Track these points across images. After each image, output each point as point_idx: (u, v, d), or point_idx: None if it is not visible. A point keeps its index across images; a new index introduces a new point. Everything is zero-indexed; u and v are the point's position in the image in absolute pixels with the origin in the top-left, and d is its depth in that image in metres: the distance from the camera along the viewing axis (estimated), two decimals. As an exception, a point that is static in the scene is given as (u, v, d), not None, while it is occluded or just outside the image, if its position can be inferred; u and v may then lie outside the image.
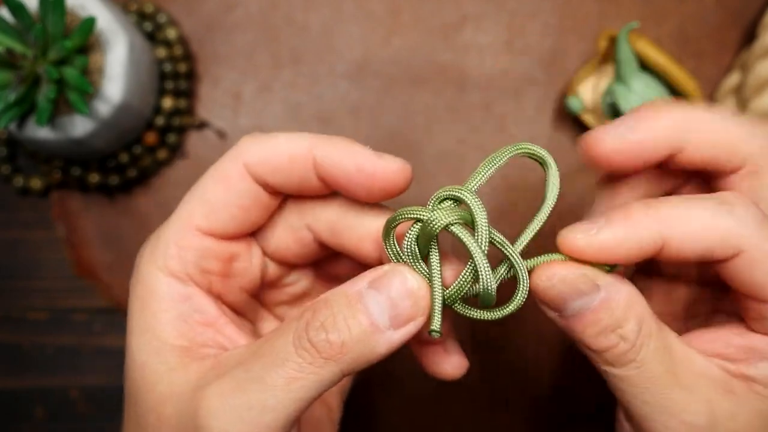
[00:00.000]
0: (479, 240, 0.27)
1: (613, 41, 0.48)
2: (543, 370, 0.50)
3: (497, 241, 0.28)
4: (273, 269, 0.34)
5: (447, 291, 0.28)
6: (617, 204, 0.32)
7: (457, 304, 0.28)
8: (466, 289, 0.28)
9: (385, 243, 0.29)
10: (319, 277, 0.36)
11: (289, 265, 0.34)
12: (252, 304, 0.34)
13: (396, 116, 0.51)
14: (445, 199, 0.28)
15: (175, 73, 0.50)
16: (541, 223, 0.29)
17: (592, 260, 0.27)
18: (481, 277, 0.27)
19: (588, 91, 0.50)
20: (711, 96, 0.51)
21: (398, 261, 0.28)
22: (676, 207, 0.27)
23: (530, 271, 0.28)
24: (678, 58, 0.51)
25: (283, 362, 0.26)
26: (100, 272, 0.51)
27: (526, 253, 0.29)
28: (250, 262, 0.32)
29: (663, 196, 0.31)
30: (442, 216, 0.27)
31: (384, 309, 0.27)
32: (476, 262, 0.27)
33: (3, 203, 0.52)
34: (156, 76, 0.50)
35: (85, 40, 0.42)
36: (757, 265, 0.27)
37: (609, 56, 0.49)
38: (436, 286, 0.28)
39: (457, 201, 0.28)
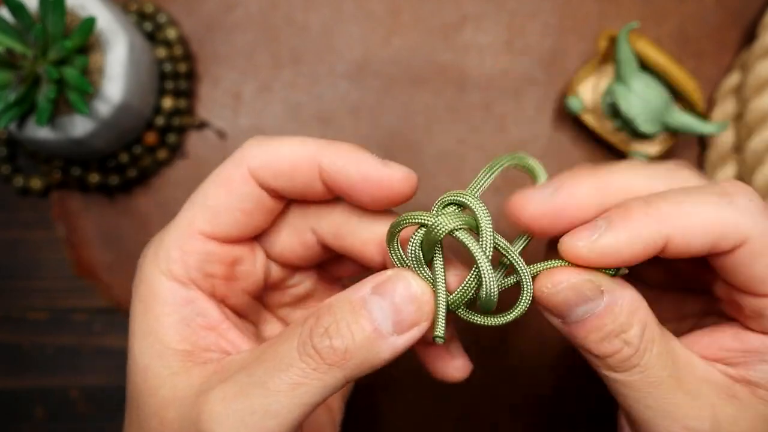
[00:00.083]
0: (483, 245, 0.27)
1: (613, 41, 0.48)
2: (545, 373, 0.50)
3: (501, 247, 0.28)
4: (276, 271, 0.34)
5: (451, 296, 0.28)
6: None
7: (460, 310, 0.28)
8: (470, 294, 0.28)
9: (389, 247, 0.29)
10: (322, 278, 0.36)
11: (293, 267, 0.34)
12: (255, 306, 0.34)
13: (396, 116, 0.51)
14: (449, 204, 0.28)
15: (175, 73, 0.50)
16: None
17: (595, 266, 0.27)
18: (484, 282, 0.27)
19: (588, 91, 0.50)
20: (711, 96, 0.51)
21: (402, 266, 0.28)
22: (677, 202, 0.27)
23: (533, 278, 0.28)
24: (678, 58, 0.51)
25: (287, 367, 0.26)
26: (100, 272, 0.51)
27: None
28: (254, 265, 0.32)
29: None
30: (446, 221, 0.27)
31: (387, 314, 0.27)
32: (480, 268, 0.27)
33: (3, 203, 0.52)
34: (156, 76, 0.50)
35: (85, 40, 0.42)
36: (760, 256, 0.27)
37: (609, 56, 0.49)
38: (440, 291, 0.28)
39: (461, 206, 0.28)
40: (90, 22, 0.41)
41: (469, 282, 0.28)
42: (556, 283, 0.27)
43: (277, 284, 0.34)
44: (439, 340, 0.28)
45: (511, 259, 0.28)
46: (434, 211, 0.28)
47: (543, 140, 0.51)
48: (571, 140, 0.51)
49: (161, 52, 0.50)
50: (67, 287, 0.51)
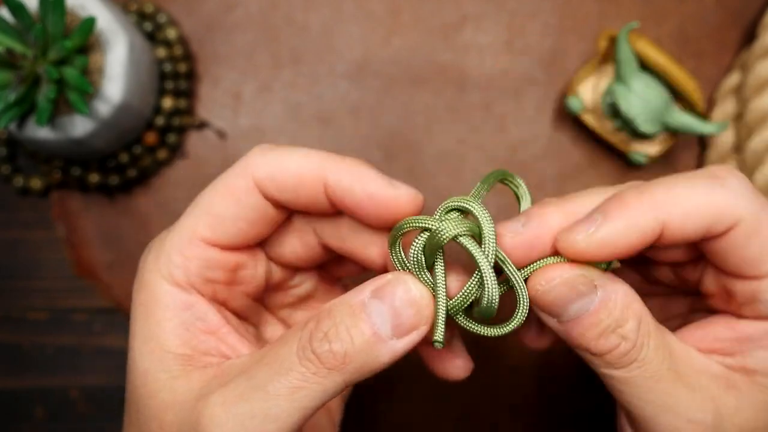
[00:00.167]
0: (486, 252, 0.27)
1: (613, 41, 0.48)
2: (545, 373, 0.50)
3: (500, 258, 0.28)
4: (277, 273, 0.34)
5: (451, 301, 0.28)
6: None
7: (459, 317, 0.28)
8: (471, 300, 0.28)
9: (391, 250, 0.29)
10: (323, 278, 0.36)
11: (294, 268, 0.34)
12: (255, 308, 0.34)
13: (396, 116, 0.51)
14: (451, 210, 0.28)
15: (175, 73, 0.50)
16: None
17: (593, 259, 0.27)
18: (486, 289, 0.27)
19: (588, 91, 0.50)
20: (711, 96, 0.51)
21: (403, 269, 0.28)
22: (670, 188, 0.27)
23: (526, 280, 0.28)
24: (678, 58, 0.51)
25: (287, 371, 0.26)
26: (100, 272, 0.51)
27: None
28: (255, 269, 0.32)
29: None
30: (450, 226, 0.27)
31: (387, 318, 0.27)
32: (483, 275, 0.27)
33: (3, 203, 0.52)
34: (156, 76, 0.49)
35: (85, 40, 0.42)
36: (754, 236, 0.27)
37: (609, 56, 0.49)
38: (440, 296, 0.28)
39: (464, 212, 0.28)
40: (90, 22, 0.41)
41: (470, 287, 0.28)
42: (549, 279, 0.27)
43: (278, 285, 0.34)
44: (438, 345, 0.28)
45: (508, 270, 0.28)
46: (437, 216, 0.28)
47: (543, 140, 0.51)
48: (571, 140, 0.51)
49: (161, 52, 0.50)
50: (67, 287, 0.51)
